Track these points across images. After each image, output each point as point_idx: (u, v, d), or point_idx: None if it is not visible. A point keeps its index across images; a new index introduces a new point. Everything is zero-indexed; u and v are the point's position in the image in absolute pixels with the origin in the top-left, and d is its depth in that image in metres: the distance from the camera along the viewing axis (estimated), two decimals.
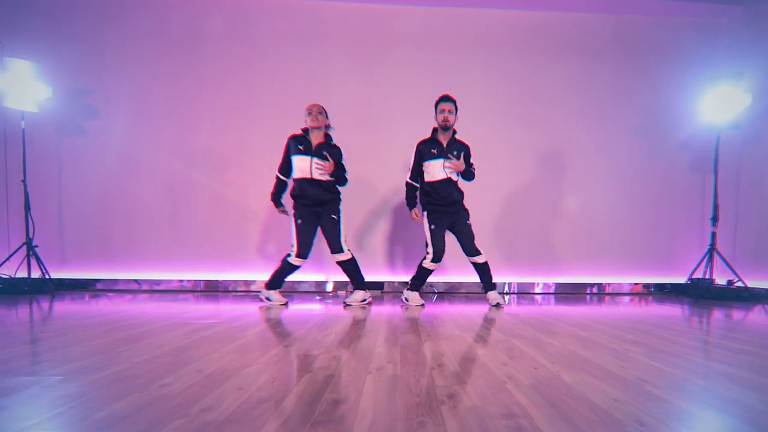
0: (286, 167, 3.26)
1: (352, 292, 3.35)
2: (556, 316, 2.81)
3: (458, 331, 2.24)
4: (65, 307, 3.01)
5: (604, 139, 4.36)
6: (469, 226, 3.32)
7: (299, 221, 3.22)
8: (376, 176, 4.24)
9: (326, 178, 3.18)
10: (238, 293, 4.07)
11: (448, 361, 1.59)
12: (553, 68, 4.33)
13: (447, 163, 3.19)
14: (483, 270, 3.36)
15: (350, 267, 3.28)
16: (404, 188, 3.51)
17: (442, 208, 3.26)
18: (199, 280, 4.18)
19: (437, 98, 3.24)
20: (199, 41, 4.17)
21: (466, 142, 3.33)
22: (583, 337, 2.08)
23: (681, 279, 4.35)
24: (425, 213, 3.31)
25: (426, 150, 3.25)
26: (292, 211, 3.26)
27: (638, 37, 4.37)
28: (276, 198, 3.31)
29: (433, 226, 3.27)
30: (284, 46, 4.21)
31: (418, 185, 3.35)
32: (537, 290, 4.36)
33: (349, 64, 4.25)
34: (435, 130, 3.30)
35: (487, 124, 4.29)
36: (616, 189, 4.37)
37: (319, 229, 3.28)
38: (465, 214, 3.34)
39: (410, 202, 3.38)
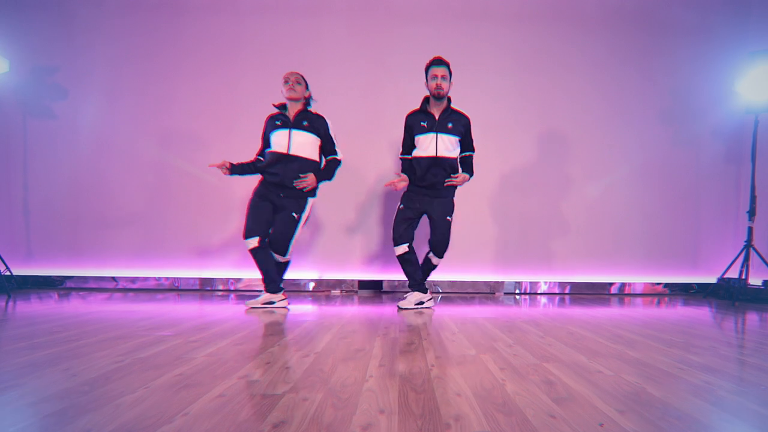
0: (264, 151, 2.74)
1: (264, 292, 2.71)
2: (583, 324, 2.26)
3: (473, 348, 1.69)
4: (16, 310, 2.48)
5: (625, 124, 3.79)
6: (449, 223, 2.72)
7: (251, 196, 2.68)
8: (376, 164, 3.68)
9: (307, 155, 2.62)
10: (219, 292, 3.53)
11: (469, 409, 1.05)
12: (568, 47, 3.76)
13: (447, 183, 2.66)
14: (427, 269, 2.87)
15: (278, 268, 2.71)
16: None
17: (417, 189, 2.72)
18: (178, 278, 3.63)
19: (428, 61, 2.67)
20: (178, 14, 3.61)
21: (465, 113, 2.75)
22: (637, 360, 1.53)
23: (708, 278, 3.79)
24: (404, 190, 2.78)
25: (415, 123, 2.70)
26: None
27: (662, 13, 3.79)
28: (236, 166, 2.68)
29: (401, 205, 2.74)
30: (273, 19, 3.65)
31: (411, 158, 2.79)
32: (551, 290, 3.80)
33: (346, 40, 3.68)
34: (426, 99, 2.73)
35: (493, 106, 3.72)
36: (637, 179, 3.80)
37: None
38: (448, 206, 2.73)
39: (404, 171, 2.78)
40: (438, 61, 2.62)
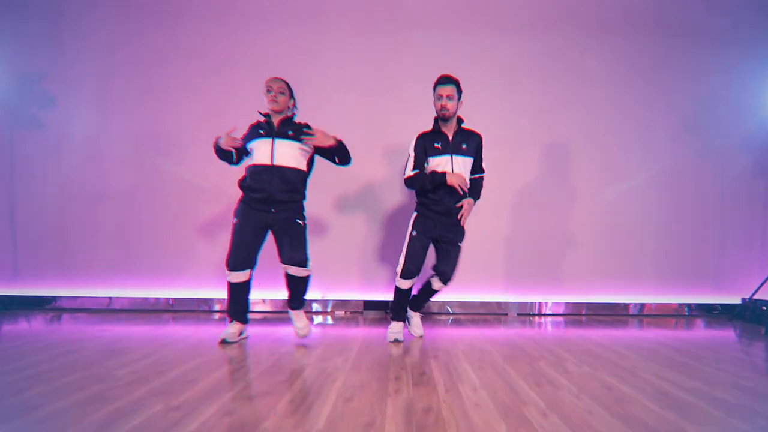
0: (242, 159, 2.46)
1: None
2: (616, 369, 1.97)
3: (501, 419, 1.40)
4: None
5: (644, 134, 3.49)
6: (459, 249, 2.43)
7: (235, 220, 2.32)
8: (381, 175, 3.39)
9: (293, 165, 2.30)
10: (216, 314, 3.25)
11: None
12: (584, 51, 3.45)
13: (460, 217, 2.35)
14: (427, 294, 2.51)
15: (304, 285, 2.40)
16: (409, 188, 2.52)
17: (433, 215, 2.39)
18: (173, 298, 3.34)
19: (435, 80, 2.35)
20: (174, 14, 3.30)
21: (477, 131, 2.46)
22: (721, 420, 1.24)
23: (732, 299, 3.50)
24: (414, 214, 2.46)
25: (429, 144, 2.38)
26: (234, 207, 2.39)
27: (685, 17, 3.46)
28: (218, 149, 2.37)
29: (414, 232, 2.40)
30: (274, 20, 3.34)
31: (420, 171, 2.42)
32: (565, 311, 3.51)
33: (349, 44, 3.37)
34: (437, 120, 2.43)
35: (503, 117, 3.42)
36: (657, 193, 3.51)
37: (269, 236, 2.38)
38: (460, 234, 2.44)
39: (427, 184, 2.35)
40: (444, 80, 2.31)
